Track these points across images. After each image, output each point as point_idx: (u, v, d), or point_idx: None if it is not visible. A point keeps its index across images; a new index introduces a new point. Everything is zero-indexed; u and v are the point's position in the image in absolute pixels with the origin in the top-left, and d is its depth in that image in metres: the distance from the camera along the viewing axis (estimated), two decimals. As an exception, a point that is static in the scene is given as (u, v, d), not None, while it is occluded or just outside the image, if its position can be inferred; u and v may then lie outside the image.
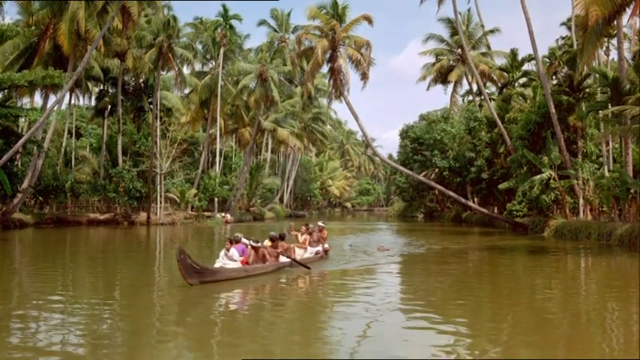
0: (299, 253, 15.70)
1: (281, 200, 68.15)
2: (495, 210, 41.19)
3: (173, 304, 10.74)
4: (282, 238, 15.00)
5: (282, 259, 14.44)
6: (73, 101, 45.64)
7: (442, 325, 8.82)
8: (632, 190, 22.93)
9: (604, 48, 32.54)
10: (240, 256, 13.33)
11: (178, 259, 11.45)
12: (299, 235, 17.08)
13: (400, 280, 14.87)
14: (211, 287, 11.78)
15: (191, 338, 8.20)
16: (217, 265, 12.83)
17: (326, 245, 17.81)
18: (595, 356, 7.17)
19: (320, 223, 18.46)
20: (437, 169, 48.96)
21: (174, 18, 40.87)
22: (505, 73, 42.74)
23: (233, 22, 48.77)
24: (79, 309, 10.03)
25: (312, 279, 13.89)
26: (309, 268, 14.47)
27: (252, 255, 13.49)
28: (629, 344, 7.75)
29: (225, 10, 48.00)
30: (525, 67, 41.90)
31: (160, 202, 40.50)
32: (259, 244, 13.83)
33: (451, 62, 49.08)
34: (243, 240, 13.73)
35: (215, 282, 12.12)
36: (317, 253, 16.81)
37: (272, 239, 14.64)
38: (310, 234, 17.15)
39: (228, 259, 13.00)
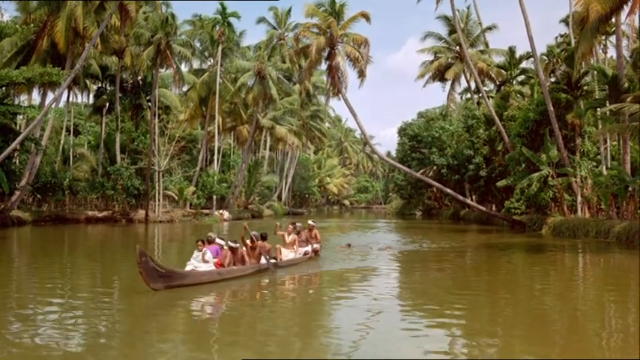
0: (286, 255, 14.93)
1: (279, 198, 68.07)
2: (493, 208, 41.22)
3: (156, 307, 10.40)
4: (263, 238, 13.95)
5: (264, 260, 13.54)
6: (71, 99, 45.51)
7: (440, 324, 8.83)
8: (630, 188, 22.97)
9: (602, 45, 32.53)
10: (214, 257, 12.23)
11: (139, 262, 10.34)
12: (285, 235, 15.86)
13: (398, 279, 14.82)
14: (180, 292, 10.86)
15: (185, 338, 8.20)
16: (188, 267, 11.77)
17: (316, 245, 16.69)
18: (594, 355, 7.18)
19: (310, 222, 17.30)
20: (435, 167, 48.99)
21: (173, 15, 40.71)
22: (503, 71, 42.85)
23: (231, 19, 48.80)
24: (77, 309, 10.03)
25: (301, 281, 13.40)
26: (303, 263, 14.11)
27: (229, 256, 12.43)
28: (628, 342, 7.77)
29: (224, 7, 47.92)
30: (523, 64, 42.05)
31: (159, 200, 40.47)
32: (237, 245, 12.83)
33: (449, 60, 49.01)
34: (217, 240, 12.72)
35: (184, 287, 11.08)
36: (306, 253, 15.85)
37: (251, 239, 13.60)
38: (298, 233, 16.05)
39: (201, 261, 11.89)
